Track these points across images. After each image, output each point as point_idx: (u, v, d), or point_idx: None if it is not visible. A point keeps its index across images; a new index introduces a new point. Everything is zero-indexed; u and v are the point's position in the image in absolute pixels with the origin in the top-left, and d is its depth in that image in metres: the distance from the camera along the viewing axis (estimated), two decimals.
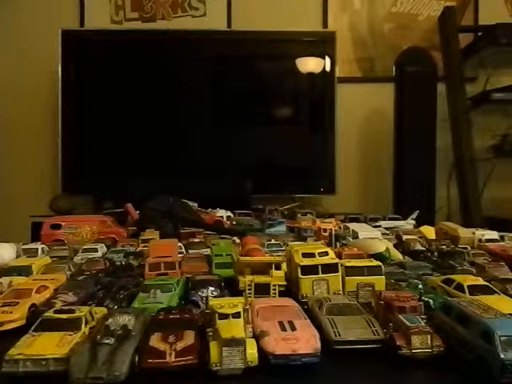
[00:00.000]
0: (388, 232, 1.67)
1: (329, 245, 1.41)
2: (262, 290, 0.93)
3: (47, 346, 0.66)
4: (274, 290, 0.94)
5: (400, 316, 0.73)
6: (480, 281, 0.93)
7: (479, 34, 2.99)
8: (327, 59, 2.95)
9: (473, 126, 2.81)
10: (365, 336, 0.72)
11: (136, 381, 0.63)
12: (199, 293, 0.92)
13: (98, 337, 0.66)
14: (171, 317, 0.74)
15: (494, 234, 1.52)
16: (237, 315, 0.70)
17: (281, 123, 3.00)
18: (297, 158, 2.96)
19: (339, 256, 1.07)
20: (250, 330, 0.71)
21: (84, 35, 2.97)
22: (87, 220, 1.69)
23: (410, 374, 0.67)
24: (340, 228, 1.66)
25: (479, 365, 0.64)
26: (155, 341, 0.67)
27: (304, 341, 0.67)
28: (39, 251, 1.35)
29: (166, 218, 1.69)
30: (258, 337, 0.70)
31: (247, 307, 0.75)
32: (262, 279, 0.95)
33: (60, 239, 1.61)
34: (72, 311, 0.75)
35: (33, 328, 0.71)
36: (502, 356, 0.61)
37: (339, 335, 0.72)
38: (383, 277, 0.95)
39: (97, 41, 2.95)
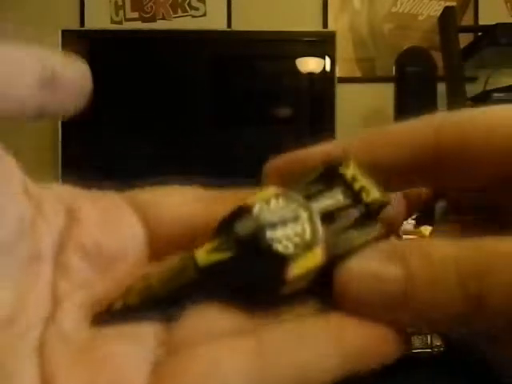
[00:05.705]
0: None
1: None
2: None
3: None
4: None
5: None
6: None
7: (479, 33, 2.99)
8: (327, 59, 2.94)
9: None
10: None
11: None
12: None
13: None
14: None
15: None
16: None
17: (281, 123, 3.00)
18: None
19: None
20: None
21: (84, 35, 2.97)
22: None
23: (410, 374, 0.67)
24: None
25: (479, 365, 0.64)
26: None
27: None
28: None
29: None
30: None
31: None
32: None
33: None
34: None
35: None
36: None
37: None
38: None
39: (97, 41, 2.95)
